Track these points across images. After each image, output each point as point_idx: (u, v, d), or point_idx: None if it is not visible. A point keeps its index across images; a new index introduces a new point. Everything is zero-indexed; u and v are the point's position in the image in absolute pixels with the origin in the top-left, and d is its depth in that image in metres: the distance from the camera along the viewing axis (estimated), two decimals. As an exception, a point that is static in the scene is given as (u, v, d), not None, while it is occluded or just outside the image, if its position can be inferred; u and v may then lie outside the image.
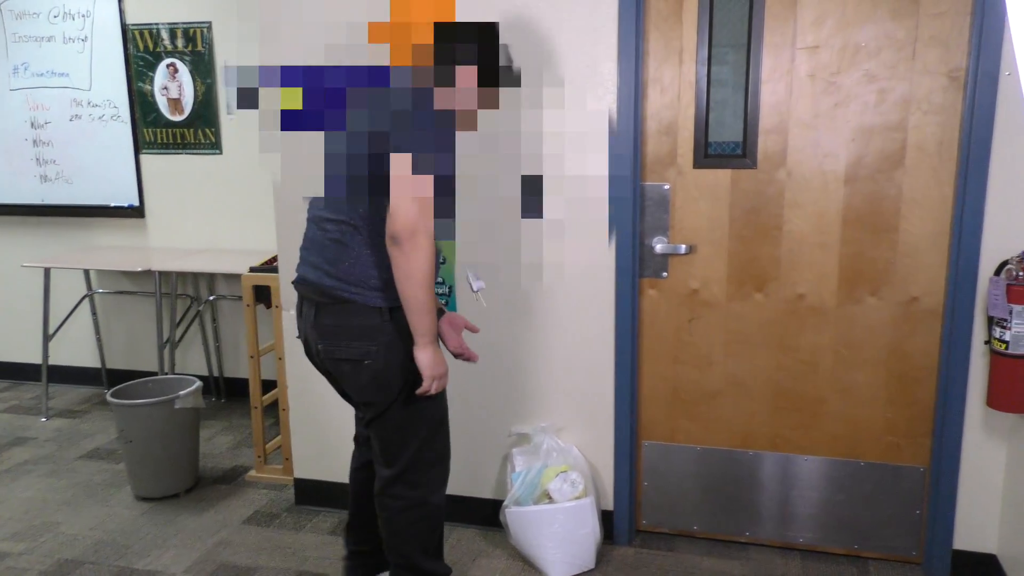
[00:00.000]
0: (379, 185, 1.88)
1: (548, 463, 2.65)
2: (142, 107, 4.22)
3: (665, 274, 2.67)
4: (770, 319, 2.61)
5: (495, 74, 1.94)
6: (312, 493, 3.13)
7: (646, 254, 2.67)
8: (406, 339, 2.00)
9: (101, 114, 4.28)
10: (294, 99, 2.05)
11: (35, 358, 4.65)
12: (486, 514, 2.89)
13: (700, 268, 2.64)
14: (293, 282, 2.14)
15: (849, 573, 2.62)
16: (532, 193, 2.62)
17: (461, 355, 2.25)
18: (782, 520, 2.73)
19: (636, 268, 2.65)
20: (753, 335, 2.64)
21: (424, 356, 1.99)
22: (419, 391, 2.02)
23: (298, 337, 2.23)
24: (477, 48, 1.92)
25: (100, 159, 4.33)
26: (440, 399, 2.16)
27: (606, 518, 2.80)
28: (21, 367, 4.78)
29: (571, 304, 2.70)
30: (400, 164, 1.84)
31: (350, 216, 1.99)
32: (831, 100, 2.43)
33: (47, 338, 4.20)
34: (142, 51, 4.16)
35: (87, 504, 3.21)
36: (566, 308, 2.71)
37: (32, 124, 4.40)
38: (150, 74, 4.17)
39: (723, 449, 2.74)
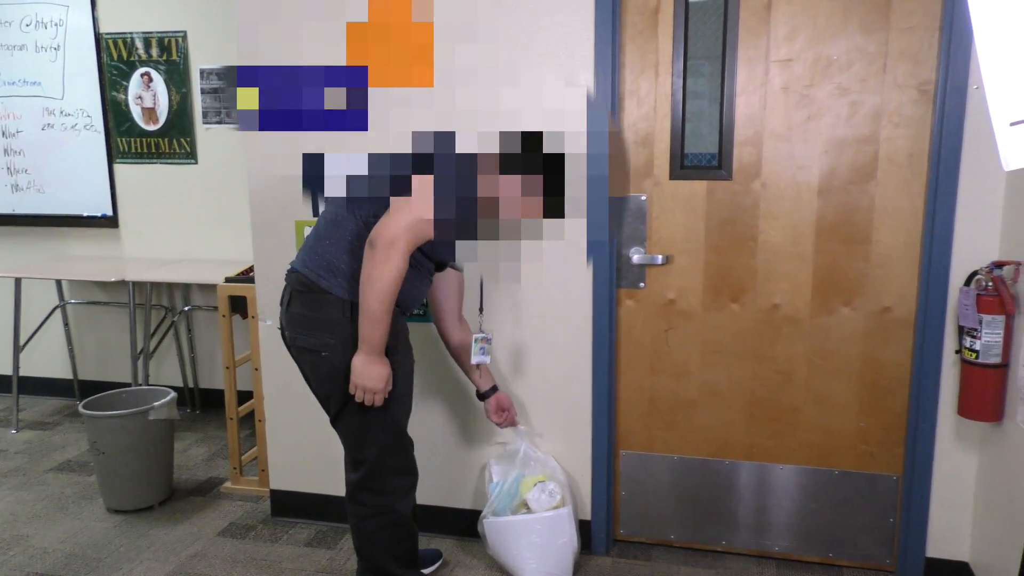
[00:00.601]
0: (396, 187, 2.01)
1: (525, 473, 2.64)
2: (116, 116, 4.18)
3: (642, 284, 2.69)
4: (746, 329, 2.63)
5: (556, 204, 2.04)
6: (288, 505, 3.10)
7: (623, 264, 2.69)
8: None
9: (74, 123, 4.24)
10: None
11: (5, 369, 4.57)
12: (464, 525, 2.88)
13: (677, 278, 2.66)
14: (286, 273, 2.22)
15: (824, 581, 2.64)
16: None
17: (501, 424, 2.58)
18: (758, 529, 2.75)
19: (613, 278, 2.66)
20: (729, 345, 2.66)
21: (357, 360, 2.03)
22: (350, 390, 2.07)
23: (279, 327, 2.28)
24: (546, 175, 2.02)
25: (73, 168, 4.28)
26: (399, 408, 2.18)
27: (583, 528, 2.81)
28: (-9, 379, 4.71)
29: (549, 314, 2.71)
30: (423, 181, 1.95)
31: (353, 209, 2.11)
32: (804, 113, 2.47)
33: (18, 349, 4.14)
34: (116, 60, 4.13)
35: (58, 517, 3.16)
36: (544, 318, 2.71)
37: (3, 133, 4.35)
38: (124, 83, 4.14)
39: (700, 458, 2.75)
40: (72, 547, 2.92)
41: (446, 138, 2.04)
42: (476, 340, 2.44)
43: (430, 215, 1.95)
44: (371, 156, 2.14)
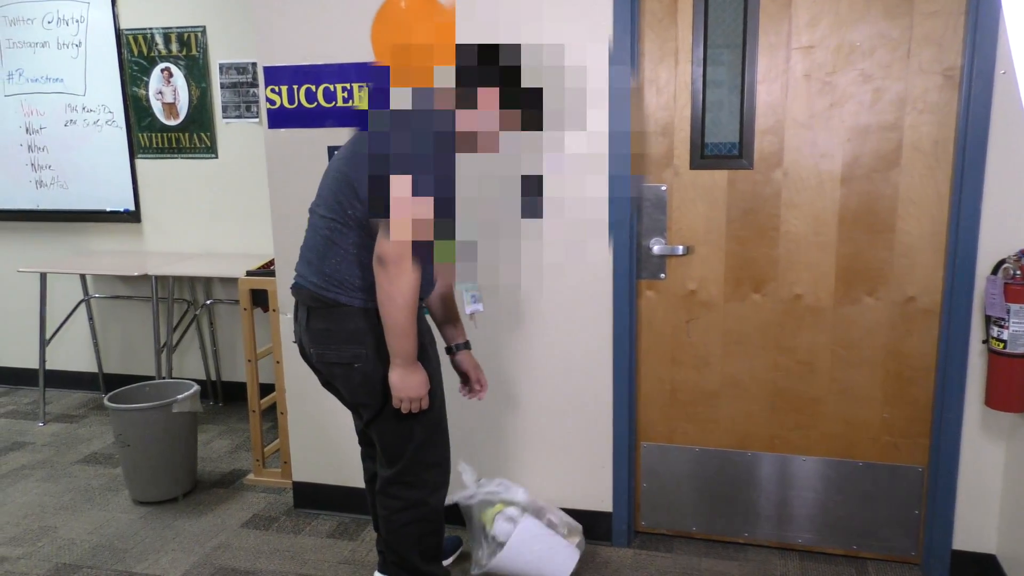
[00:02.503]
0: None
1: (483, 508, 2.59)
2: (137, 112, 4.22)
3: (663, 275, 2.67)
4: (767, 320, 2.61)
5: (517, 96, 1.93)
6: (311, 496, 3.12)
7: (644, 255, 2.67)
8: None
9: (96, 119, 4.28)
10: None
11: (32, 363, 4.64)
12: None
13: (697, 269, 2.64)
14: (292, 287, 2.18)
15: (847, 573, 2.61)
16: (532, 195, 2.60)
17: (467, 386, 2.44)
18: (780, 521, 2.73)
19: (634, 269, 2.65)
20: (751, 336, 2.64)
21: (394, 376, 2.01)
22: (394, 405, 2.05)
23: (294, 342, 2.25)
24: (499, 70, 1.92)
25: (95, 164, 4.32)
26: (436, 403, 2.16)
27: (604, 519, 2.80)
28: (18, 372, 4.77)
29: (569, 306, 2.70)
30: (400, 185, 1.85)
31: (341, 215, 2.02)
32: (827, 100, 2.43)
33: (44, 343, 4.20)
34: (136, 56, 4.15)
35: (85, 508, 3.20)
36: (564, 310, 2.71)
37: (27, 130, 4.39)
38: (145, 79, 4.16)
39: (721, 450, 2.74)
40: (99, 538, 2.96)
41: (402, 116, 1.92)
42: (466, 288, 2.39)
43: (425, 213, 1.87)
44: (356, 155, 2.03)
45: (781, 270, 2.57)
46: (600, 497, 2.80)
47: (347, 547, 2.85)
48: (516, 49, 1.92)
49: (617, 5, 2.47)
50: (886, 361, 2.54)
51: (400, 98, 1.92)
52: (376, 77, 2.61)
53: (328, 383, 2.22)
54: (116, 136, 4.26)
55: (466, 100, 1.91)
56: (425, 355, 2.10)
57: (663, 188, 2.61)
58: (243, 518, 3.09)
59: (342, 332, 2.06)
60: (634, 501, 2.84)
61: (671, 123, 2.57)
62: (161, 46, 4.11)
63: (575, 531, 2.68)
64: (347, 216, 2.01)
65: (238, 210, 4.18)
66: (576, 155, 2.53)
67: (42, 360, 4.20)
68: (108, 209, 4.36)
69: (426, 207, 1.86)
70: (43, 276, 4.12)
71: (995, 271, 2.31)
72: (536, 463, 2.84)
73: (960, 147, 2.32)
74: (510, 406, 2.82)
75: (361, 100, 2.73)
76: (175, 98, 4.15)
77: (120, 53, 4.17)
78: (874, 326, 2.53)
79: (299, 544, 2.89)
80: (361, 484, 3.02)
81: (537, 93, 1.94)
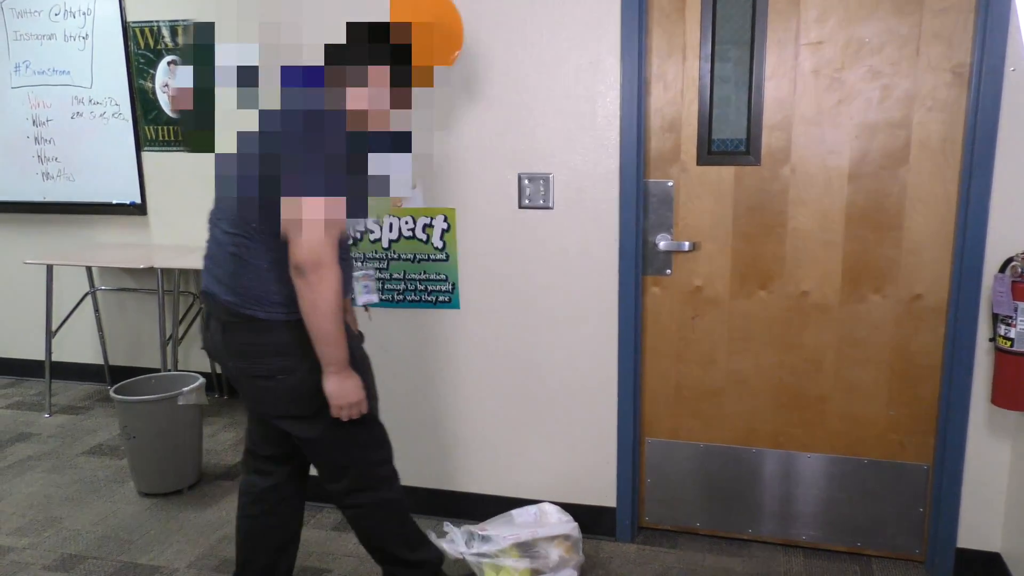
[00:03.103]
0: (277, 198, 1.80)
1: (482, 561, 2.50)
2: (143, 104, 4.22)
3: (669, 271, 2.67)
4: (773, 317, 2.61)
5: (408, 75, 1.88)
6: (315, 489, 3.12)
7: (649, 251, 2.67)
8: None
9: (103, 111, 4.28)
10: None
11: (38, 355, 4.65)
12: (486, 508, 2.89)
13: (704, 265, 2.64)
14: (200, 293, 2.05)
15: (852, 571, 2.61)
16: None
17: None
18: (785, 517, 2.73)
19: (640, 265, 2.65)
20: (756, 333, 2.63)
21: (330, 384, 1.93)
22: (332, 415, 1.98)
23: (202, 348, 2.14)
24: (390, 48, 1.86)
25: (102, 156, 4.33)
26: (372, 401, 2.09)
27: (608, 515, 2.80)
28: (24, 363, 4.79)
29: (575, 301, 2.70)
30: (312, 207, 1.77)
31: (246, 230, 1.91)
32: (835, 97, 2.43)
33: (50, 335, 4.21)
34: (143, 48, 4.16)
35: (90, 500, 3.22)
36: (569, 305, 2.71)
37: (34, 122, 4.40)
38: (151, 71, 4.17)
39: (726, 446, 2.74)
40: (104, 529, 2.97)
41: (286, 117, 1.84)
42: (356, 278, 2.30)
43: (335, 213, 1.79)
44: (239, 157, 1.90)
45: (788, 267, 2.56)
46: (604, 492, 2.80)
47: (351, 540, 2.86)
48: (407, 28, 1.88)
49: (625, 0, 2.46)
50: (892, 359, 2.53)
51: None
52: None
53: (250, 395, 2.11)
54: (122, 129, 4.26)
55: (357, 78, 1.85)
56: (354, 356, 2.00)
57: (670, 184, 2.61)
58: (248, 511, 3.10)
59: (265, 345, 1.96)
60: (638, 497, 2.84)
61: (678, 119, 2.56)
62: (168, 39, 4.11)
63: (572, 547, 2.58)
64: (253, 231, 1.91)
65: (244, 203, 4.17)
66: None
67: (48, 352, 4.21)
68: (114, 201, 4.37)
69: (339, 207, 1.80)
70: (49, 268, 4.13)
71: (1003, 269, 2.30)
72: (540, 458, 2.84)
73: (969, 145, 2.32)
74: (514, 401, 2.82)
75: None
76: (182, 91, 4.15)
77: (127, 45, 4.17)
78: (880, 324, 2.52)
79: (304, 537, 2.89)
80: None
81: (428, 71, 1.88)
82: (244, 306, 1.93)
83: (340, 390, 1.94)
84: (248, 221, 1.90)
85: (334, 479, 2.14)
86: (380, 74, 1.87)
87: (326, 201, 1.78)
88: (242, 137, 1.90)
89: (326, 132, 1.79)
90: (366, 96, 1.86)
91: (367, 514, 2.19)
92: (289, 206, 1.78)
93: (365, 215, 1.87)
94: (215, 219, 2.01)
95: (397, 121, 1.90)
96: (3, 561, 2.76)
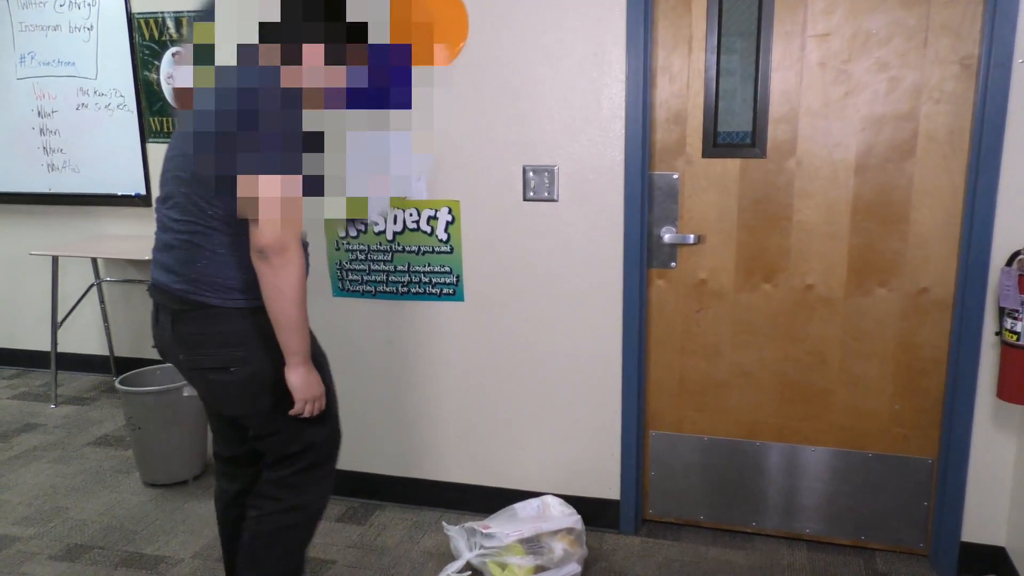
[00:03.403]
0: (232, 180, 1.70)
1: (486, 559, 2.51)
2: (148, 96, 4.22)
3: (673, 264, 2.66)
4: (778, 310, 2.60)
5: (342, 53, 1.74)
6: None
7: (654, 244, 2.66)
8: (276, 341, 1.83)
9: (107, 103, 4.28)
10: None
11: (44, 346, 4.67)
12: (489, 501, 2.90)
13: (709, 258, 2.63)
14: (148, 288, 1.96)
15: (855, 564, 2.61)
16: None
17: None
18: (788, 511, 2.73)
19: (644, 258, 2.64)
20: (761, 326, 2.63)
21: (295, 377, 1.84)
22: (292, 412, 1.89)
23: (153, 347, 2.03)
24: (323, 27, 1.73)
25: (107, 148, 4.33)
26: (330, 398, 2.02)
27: (612, 507, 2.81)
28: (30, 354, 4.81)
29: (579, 294, 2.70)
30: (269, 185, 1.68)
31: (202, 217, 1.82)
32: (841, 89, 2.41)
33: (56, 326, 4.22)
34: (148, 40, 4.15)
35: (96, 490, 3.23)
36: (574, 298, 2.70)
37: (39, 113, 4.40)
38: (156, 63, 4.16)
39: (730, 439, 2.73)
40: (110, 519, 2.99)
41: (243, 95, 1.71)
42: None
43: (295, 191, 1.69)
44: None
45: (793, 260, 2.55)
46: (608, 485, 2.80)
47: (356, 531, 2.87)
48: (340, 5, 1.75)
49: (631, -9, 2.45)
50: (897, 352, 2.53)
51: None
52: (396, 56, 2.56)
53: (201, 390, 2.01)
54: (127, 120, 4.26)
55: (291, 56, 1.72)
56: (315, 349, 1.93)
57: (675, 176, 2.60)
58: (252, 502, 3.11)
59: (217, 336, 1.85)
60: (642, 489, 2.85)
61: (683, 111, 2.55)
62: (172, 30, 4.10)
63: (576, 540, 2.58)
64: (208, 217, 1.82)
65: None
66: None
67: (54, 343, 4.23)
68: (119, 193, 4.37)
69: (295, 184, 1.68)
70: (55, 259, 4.14)
71: (1009, 262, 2.29)
72: (544, 450, 2.84)
73: (976, 137, 2.30)
74: (518, 393, 2.82)
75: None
76: (186, 82, 4.14)
77: (131, 37, 4.17)
78: (886, 317, 2.51)
79: (308, 528, 2.90)
80: (369, 469, 3.05)
81: (362, 50, 1.75)
82: (197, 293, 1.83)
83: (305, 384, 1.86)
84: (204, 208, 1.81)
85: (276, 467, 2.01)
86: (314, 52, 1.72)
87: (282, 179, 1.67)
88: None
89: (280, 108, 1.68)
90: (301, 74, 1.71)
91: (284, 511, 2.02)
92: (245, 184, 1.67)
93: (322, 194, 1.74)
94: (164, 208, 1.90)
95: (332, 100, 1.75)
96: (10, 550, 2.77)
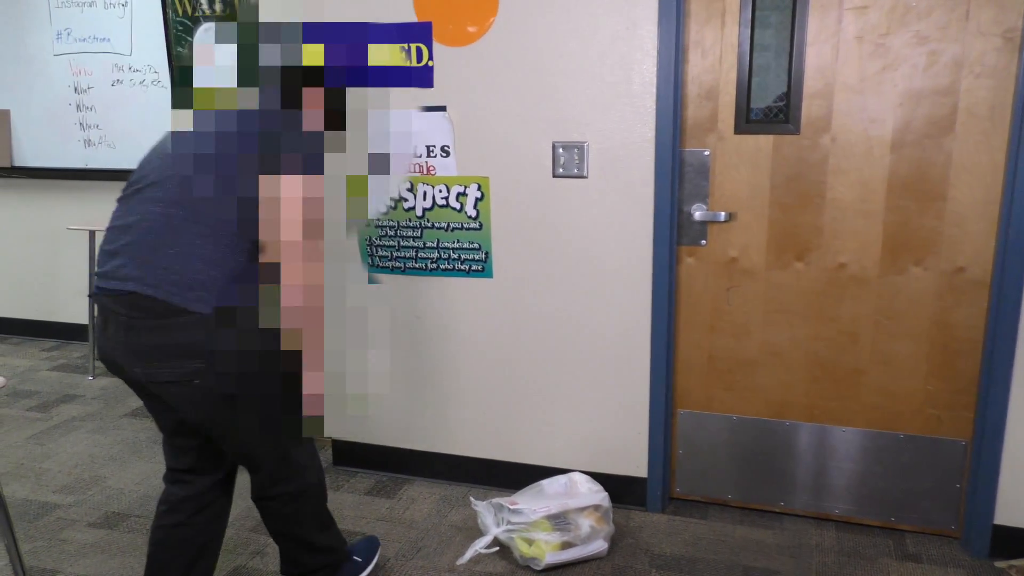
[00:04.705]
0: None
1: (513, 534, 2.52)
2: (181, 72, 4.25)
3: (704, 242, 2.64)
4: (810, 288, 2.57)
5: (342, 118, 1.78)
6: (349, 454, 3.17)
7: (685, 221, 2.64)
8: (244, 341, 1.75)
9: (142, 79, 4.32)
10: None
11: (82, 318, 4.77)
12: (516, 477, 2.92)
13: (739, 236, 2.60)
14: (93, 294, 1.85)
15: (885, 545, 2.59)
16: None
17: None
18: (817, 491, 2.71)
19: (674, 235, 2.62)
20: (792, 304, 2.60)
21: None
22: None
23: (99, 358, 1.92)
24: (324, 92, 1.78)
25: (142, 124, 4.38)
26: (274, 379, 1.89)
27: (639, 485, 2.81)
28: (69, 327, 4.91)
29: (608, 271, 2.68)
30: (291, 185, 1.70)
31: (188, 201, 1.76)
32: (879, 63, 2.36)
33: (92, 299, 4.30)
34: (181, 16, 4.18)
35: (132, 460, 3.30)
36: (603, 275, 2.69)
37: (75, 89, 4.46)
38: (189, 39, 4.19)
39: (759, 419, 2.72)
40: (146, 488, 3.06)
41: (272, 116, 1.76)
42: None
43: (315, 190, 1.70)
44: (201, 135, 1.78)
45: (825, 238, 2.52)
46: (636, 463, 2.81)
47: (385, 504, 2.90)
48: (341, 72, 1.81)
49: (663, -36, 2.41)
50: (932, 332, 2.49)
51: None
52: (419, 35, 2.56)
53: (155, 400, 1.94)
54: (161, 96, 4.30)
55: (291, 100, 1.75)
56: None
57: (706, 153, 2.57)
58: (284, 473, 3.16)
59: (176, 347, 1.75)
60: (670, 467, 2.84)
61: (716, 86, 2.52)
62: (205, 6, 4.12)
63: (603, 517, 2.58)
64: (196, 201, 1.76)
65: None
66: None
67: (91, 316, 4.31)
68: (154, 169, 4.42)
69: (318, 184, 1.69)
70: (92, 234, 4.21)
71: (1050, 242, 2.24)
72: (571, 427, 2.85)
73: (1018, 112, 2.24)
74: (546, 370, 2.83)
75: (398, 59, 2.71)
76: (219, 58, 4.17)
77: (165, 13, 4.20)
78: (920, 296, 2.47)
79: (338, 500, 2.95)
80: (399, 443, 3.08)
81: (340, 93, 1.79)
82: (156, 293, 1.73)
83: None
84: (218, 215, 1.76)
85: (255, 469, 2.04)
86: (314, 96, 1.78)
87: (304, 179, 1.68)
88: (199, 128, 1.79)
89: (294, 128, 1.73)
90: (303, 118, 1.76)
91: (291, 500, 2.09)
92: (267, 184, 1.68)
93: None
94: (146, 195, 1.82)
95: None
96: (50, 517, 2.85)
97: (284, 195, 1.68)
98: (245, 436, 1.94)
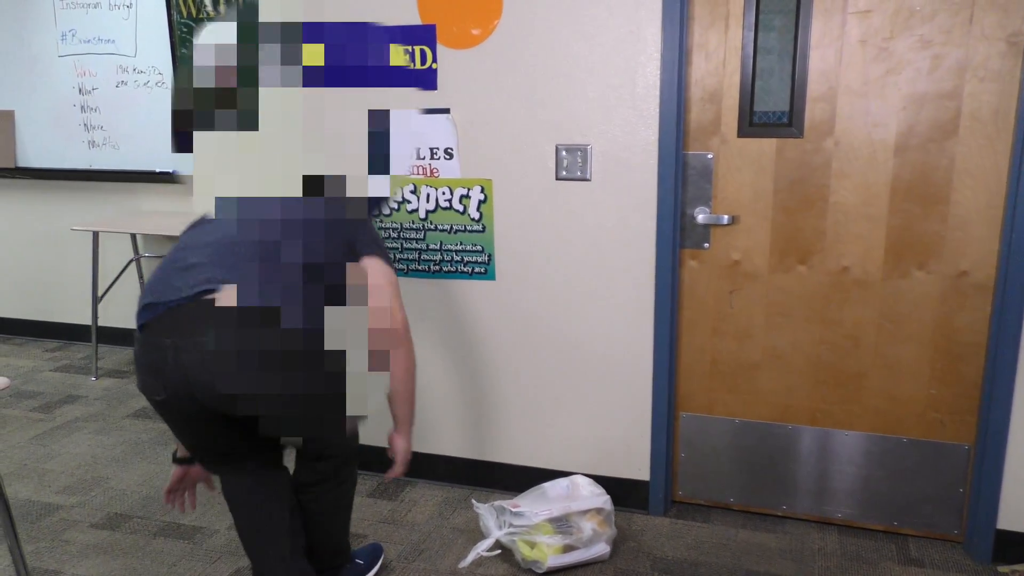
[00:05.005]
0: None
1: (515, 537, 2.52)
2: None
3: (707, 245, 2.64)
4: (813, 292, 2.57)
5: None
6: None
7: (688, 224, 2.64)
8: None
9: (146, 80, 4.33)
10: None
11: (85, 319, 4.78)
12: (518, 479, 2.92)
13: (742, 239, 2.60)
14: (142, 317, 1.73)
15: (887, 549, 2.59)
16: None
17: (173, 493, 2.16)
18: (820, 495, 2.71)
19: (677, 238, 2.62)
20: (795, 308, 2.60)
21: (408, 443, 2.04)
22: (394, 475, 2.05)
23: (159, 397, 1.73)
24: None
25: (146, 125, 4.39)
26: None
27: (641, 488, 2.81)
28: (72, 328, 4.92)
29: (611, 273, 2.68)
30: (377, 269, 1.87)
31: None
32: (882, 67, 2.36)
33: (96, 300, 4.31)
34: (185, 17, 4.18)
35: (135, 461, 3.31)
36: (606, 277, 2.69)
37: (80, 90, 4.47)
38: (193, 41, 4.20)
39: (761, 422, 2.72)
40: (149, 489, 3.06)
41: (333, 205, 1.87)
42: None
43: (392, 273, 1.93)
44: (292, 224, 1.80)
45: (828, 242, 2.51)
46: (638, 466, 2.81)
47: (387, 507, 2.90)
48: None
49: (667, -33, 2.41)
50: (935, 336, 2.48)
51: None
52: (423, 38, 2.57)
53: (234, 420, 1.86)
54: (165, 98, 4.31)
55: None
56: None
57: (709, 156, 2.57)
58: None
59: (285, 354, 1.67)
60: (672, 471, 2.84)
61: (719, 89, 2.52)
62: (209, 7, 4.13)
63: (605, 520, 2.57)
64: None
65: (283, 173, 4.21)
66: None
67: (95, 317, 4.32)
68: (158, 170, 4.43)
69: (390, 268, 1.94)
70: (95, 235, 4.22)
71: (1054, 246, 2.23)
72: (574, 430, 2.85)
73: (1022, 117, 2.24)
74: (548, 373, 2.83)
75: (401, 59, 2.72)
76: (223, 60, 4.18)
77: (169, 14, 4.20)
78: (923, 300, 2.47)
79: (340, 502, 2.95)
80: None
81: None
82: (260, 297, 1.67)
83: (410, 447, 2.05)
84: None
85: (319, 458, 2.16)
86: None
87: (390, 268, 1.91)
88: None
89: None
90: None
91: (349, 489, 2.23)
92: (374, 267, 1.88)
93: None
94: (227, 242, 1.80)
95: None
96: (53, 518, 2.86)
97: (372, 282, 1.82)
98: (339, 438, 2.13)
